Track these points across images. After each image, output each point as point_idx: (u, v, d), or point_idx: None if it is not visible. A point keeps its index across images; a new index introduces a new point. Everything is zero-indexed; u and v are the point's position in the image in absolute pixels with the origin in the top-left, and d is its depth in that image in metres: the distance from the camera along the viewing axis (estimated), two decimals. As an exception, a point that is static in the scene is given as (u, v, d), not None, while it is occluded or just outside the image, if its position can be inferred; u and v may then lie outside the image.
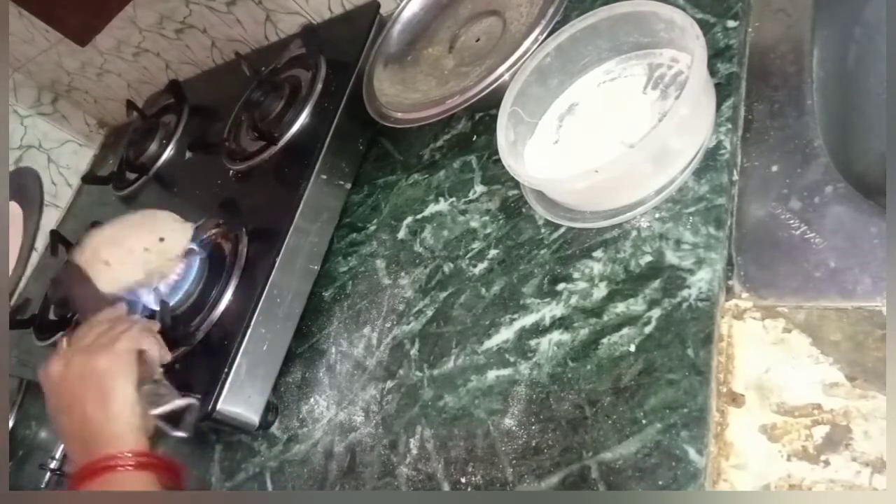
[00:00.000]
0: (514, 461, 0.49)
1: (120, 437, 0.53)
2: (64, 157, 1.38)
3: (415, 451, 0.55)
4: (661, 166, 0.51)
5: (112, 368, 0.55)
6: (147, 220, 0.76)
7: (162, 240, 0.72)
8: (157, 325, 0.66)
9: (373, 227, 0.73)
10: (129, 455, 0.52)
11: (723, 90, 0.53)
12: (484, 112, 0.71)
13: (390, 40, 0.82)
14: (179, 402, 0.59)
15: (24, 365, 0.96)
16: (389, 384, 0.60)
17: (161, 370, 0.62)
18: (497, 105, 0.60)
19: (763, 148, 0.51)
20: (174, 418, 0.59)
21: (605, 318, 0.50)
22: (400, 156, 0.77)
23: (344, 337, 0.67)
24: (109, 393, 0.54)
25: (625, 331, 0.49)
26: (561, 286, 0.54)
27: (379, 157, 0.79)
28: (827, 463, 0.40)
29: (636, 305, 0.49)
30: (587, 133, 0.59)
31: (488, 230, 0.62)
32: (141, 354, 0.59)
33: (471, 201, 0.66)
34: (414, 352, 0.61)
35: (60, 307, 0.95)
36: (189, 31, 1.13)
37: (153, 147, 1.10)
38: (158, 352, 0.62)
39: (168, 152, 1.08)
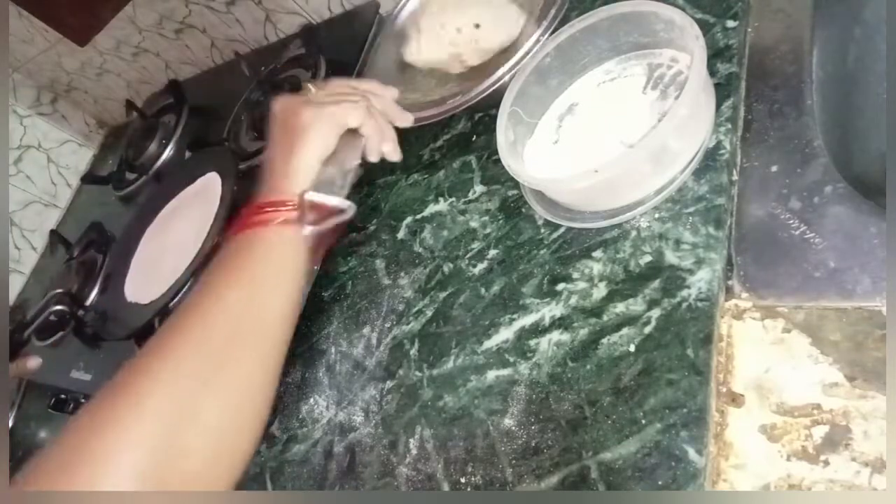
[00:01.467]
0: (514, 461, 0.49)
1: (282, 191, 0.53)
2: (63, 157, 1.39)
3: (414, 451, 0.55)
4: (661, 166, 0.51)
5: (307, 126, 0.55)
6: None
7: (477, 26, 0.66)
8: (399, 119, 0.63)
9: (372, 227, 0.73)
10: (288, 205, 0.52)
11: (722, 90, 0.53)
12: (484, 112, 0.71)
13: (390, 41, 0.82)
14: (336, 203, 0.56)
15: (23, 365, 0.96)
16: (389, 384, 0.60)
17: (358, 163, 0.59)
18: (497, 105, 0.60)
19: (763, 148, 0.51)
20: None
21: (605, 318, 0.50)
22: (399, 156, 0.77)
23: (343, 337, 0.67)
24: (293, 148, 0.54)
25: (624, 331, 0.49)
26: (560, 286, 0.54)
27: (378, 157, 0.79)
28: (826, 463, 0.40)
29: (636, 305, 0.49)
30: (587, 133, 0.59)
31: (488, 230, 0.62)
32: (353, 134, 0.57)
33: (470, 201, 0.66)
34: (413, 352, 0.61)
35: (59, 304, 0.95)
36: (189, 31, 1.13)
37: (153, 147, 1.10)
38: (377, 141, 0.59)
39: (168, 152, 1.08)
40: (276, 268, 0.52)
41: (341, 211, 0.56)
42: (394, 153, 0.62)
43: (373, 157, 0.61)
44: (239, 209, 0.55)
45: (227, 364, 0.46)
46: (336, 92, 0.60)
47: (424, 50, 0.70)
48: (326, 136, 0.55)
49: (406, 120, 0.63)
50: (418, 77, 0.75)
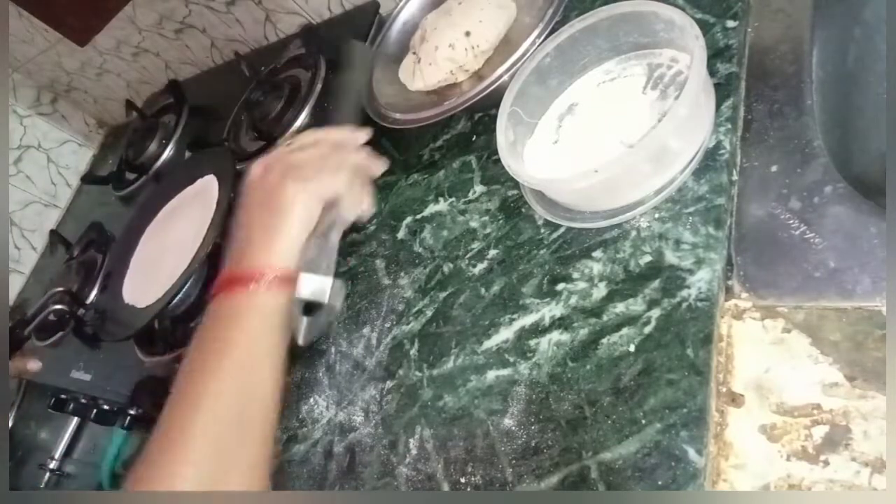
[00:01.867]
0: (514, 461, 0.49)
1: (268, 265, 0.51)
2: (63, 157, 1.38)
3: (414, 451, 0.55)
4: (661, 166, 0.51)
5: (291, 204, 0.52)
6: (465, 7, 0.68)
7: (468, 34, 0.65)
8: (375, 169, 0.60)
9: (372, 227, 0.73)
10: (271, 275, 0.50)
11: (722, 90, 0.53)
12: (483, 112, 0.71)
13: (389, 40, 0.82)
14: (324, 281, 0.54)
15: (23, 365, 0.96)
16: (389, 384, 0.60)
17: (339, 238, 0.57)
18: (496, 105, 0.60)
19: (763, 148, 0.51)
20: (307, 306, 0.55)
21: (605, 318, 0.50)
22: (399, 156, 0.77)
23: (343, 337, 0.67)
24: (278, 226, 0.52)
25: (624, 331, 0.49)
26: (560, 286, 0.54)
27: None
28: (826, 463, 0.40)
29: (636, 305, 0.49)
30: (587, 133, 0.59)
31: (488, 230, 0.62)
32: (336, 200, 0.55)
33: (470, 201, 0.66)
34: (413, 352, 0.61)
35: (59, 303, 0.95)
36: (188, 31, 1.13)
37: (153, 147, 1.10)
38: (356, 204, 0.57)
39: (168, 152, 1.08)
40: (259, 334, 0.50)
41: (332, 292, 0.55)
42: (369, 210, 0.60)
43: (351, 218, 0.59)
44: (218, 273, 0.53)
45: (227, 459, 0.45)
46: (311, 153, 0.56)
47: (427, 76, 0.71)
48: (311, 211, 0.54)
49: (381, 167, 0.61)
50: (423, 97, 0.75)
